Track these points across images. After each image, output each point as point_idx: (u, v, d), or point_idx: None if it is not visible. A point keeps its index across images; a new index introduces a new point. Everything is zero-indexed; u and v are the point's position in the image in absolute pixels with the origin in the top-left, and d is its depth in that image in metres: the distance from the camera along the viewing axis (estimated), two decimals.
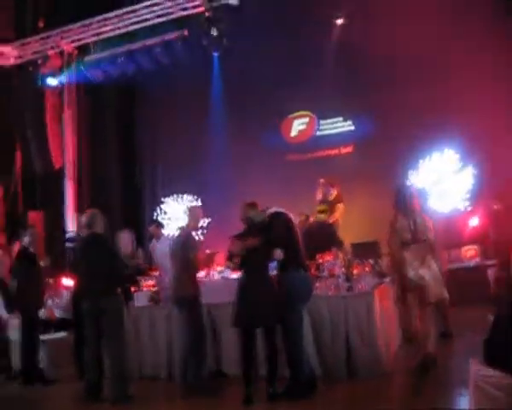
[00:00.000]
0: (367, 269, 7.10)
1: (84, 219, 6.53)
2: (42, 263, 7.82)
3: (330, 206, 11.02)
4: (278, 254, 5.46)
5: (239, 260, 5.67)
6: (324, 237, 8.27)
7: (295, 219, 8.53)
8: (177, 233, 7.03)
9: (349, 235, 10.81)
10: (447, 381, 5.77)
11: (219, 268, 7.61)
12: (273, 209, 5.86)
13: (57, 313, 9.18)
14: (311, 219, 9.04)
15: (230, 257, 5.76)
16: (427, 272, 6.08)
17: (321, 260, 6.92)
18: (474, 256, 10.12)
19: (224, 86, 13.00)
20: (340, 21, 11.54)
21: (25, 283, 7.52)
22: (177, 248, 6.41)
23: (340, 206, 11.04)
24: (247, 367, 5.62)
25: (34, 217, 12.41)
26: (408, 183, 10.36)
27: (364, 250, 9.79)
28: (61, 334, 8.69)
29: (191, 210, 6.86)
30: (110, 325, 6.12)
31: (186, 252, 6.28)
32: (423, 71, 11.36)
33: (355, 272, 6.80)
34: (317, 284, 6.43)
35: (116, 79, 12.07)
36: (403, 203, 6.24)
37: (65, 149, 11.77)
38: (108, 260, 6.19)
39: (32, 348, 7.49)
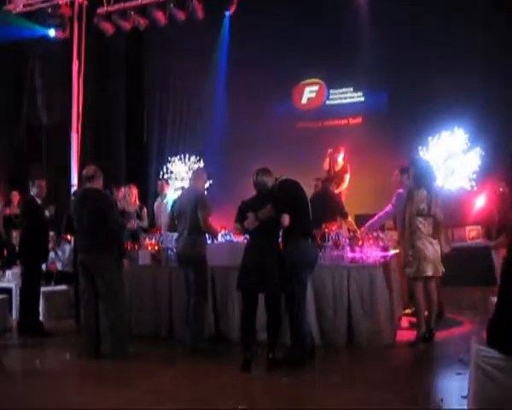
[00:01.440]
0: (371, 241, 7.09)
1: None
2: (47, 212, 7.75)
3: (337, 176, 11.03)
4: (285, 219, 5.41)
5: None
6: (329, 207, 8.27)
7: (312, 183, 8.58)
8: (183, 192, 6.94)
9: (354, 206, 10.84)
10: (444, 359, 5.81)
11: (223, 231, 7.58)
12: (283, 177, 5.78)
13: (59, 266, 9.20)
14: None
15: (240, 219, 5.68)
16: (435, 246, 6.18)
17: (326, 230, 6.91)
18: (477, 237, 10.10)
19: (236, 49, 12.79)
20: None
21: (29, 234, 7.51)
22: (187, 207, 6.29)
23: (347, 177, 11.04)
24: (246, 332, 5.62)
25: (38, 168, 12.37)
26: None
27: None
28: (62, 287, 8.70)
29: (197, 172, 6.81)
30: (103, 281, 6.11)
31: (196, 211, 6.19)
32: (437, 48, 11.21)
33: (359, 243, 6.80)
34: (322, 254, 6.42)
35: (127, 34, 11.86)
36: (423, 176, 6.26)
37: (72, 101, 11.60)
38: (100, 216, 6.09)
39: (32, 300, 7.47)
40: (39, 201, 7.64)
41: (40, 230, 7.55)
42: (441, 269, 6.26)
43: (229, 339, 6.59)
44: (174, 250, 6.89)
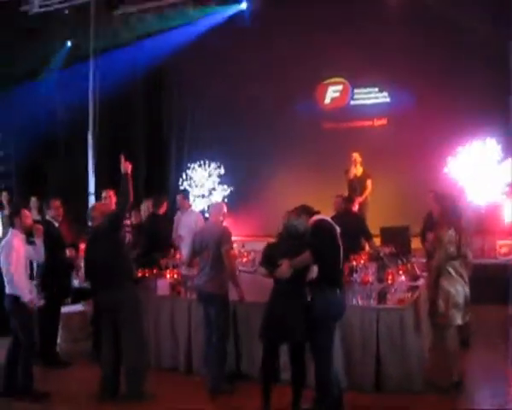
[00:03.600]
0: (401, 272, 6.75)
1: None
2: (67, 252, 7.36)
3: (360, 182, 10.70)
4: (314, 271, 5.08)
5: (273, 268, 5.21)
6: (352, 228, 7.76)
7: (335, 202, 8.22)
8: (204, 227, 6.73)
9: (378, 215, 10.52)
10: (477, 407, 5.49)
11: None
12: (318, 217, 5.38)
13: (76, 283, 8.91)
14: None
15: (266, 264, 5.34)
16: (465, 289, 5.83)
17: (354, 263, 6.57)
18: (509, 253, 9.68)
19: (257, 49, 12.37)
20: None
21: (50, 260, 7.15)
22: (209, 243, 6.07)
23: (369, 182, 10.72)
24: (266, 381, 5.32)
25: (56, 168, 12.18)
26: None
27: (394, 236, 9.45)
28: (78, 307, 8.45)
29: (216, 206, 6.57)
30: (127, 318, 5.85)
31: (220, 247, 5.98)
32: (468, 48, 10.69)
33: (389, 279, 6.45)
34: (348, 292, 6.09)
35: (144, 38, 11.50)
36: (454, 216, 5.88)
37: (89, 106, 11.29)
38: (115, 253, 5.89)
39: (51, 328, 7.21)
40: (56, 224, 7.34)
41: (60, 254, 7.21)
42: (468, 316, 5.92)
43: (252, 376, 6.26)
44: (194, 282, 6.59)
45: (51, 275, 7.07)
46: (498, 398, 5.61)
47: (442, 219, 5.98)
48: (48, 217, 7.31)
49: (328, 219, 5.50)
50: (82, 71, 11.44)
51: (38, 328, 7.01)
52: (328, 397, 5.22)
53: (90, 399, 5.97)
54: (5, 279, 6.00)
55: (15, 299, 5.95)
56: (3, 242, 6.11)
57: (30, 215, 6.41)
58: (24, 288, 6.00)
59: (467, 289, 5.84)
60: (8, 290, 5.99)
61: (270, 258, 5.33)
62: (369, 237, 8.22)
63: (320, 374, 5.22)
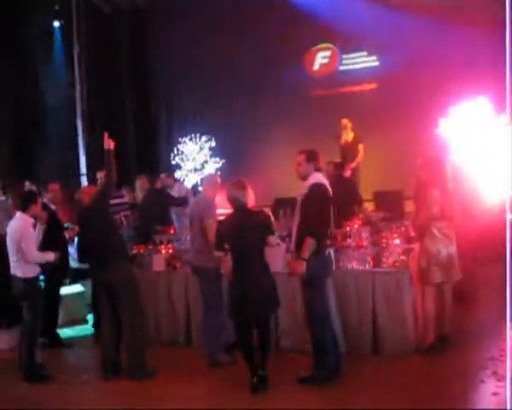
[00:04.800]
0: (395, 235, 6.76)
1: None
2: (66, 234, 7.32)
3: (351, 148, 10.66)
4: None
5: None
6: (344, 194, 7.72)
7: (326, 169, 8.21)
8: (194, 199, 6.72)
9: (371, 180, 10.49)
10: (476, 369, 5.46)
11: None
12: (315, 182, 5.27)
13: (72, 263, 8.92)
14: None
15: (220, 245, 5.28)
16: (450, 249, 5.81)
17: (348, 228, 6.58)
18: (503, 211, 9.65)
19: (245, 17, 12.23)
20: None
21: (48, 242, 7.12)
22: (195, 215, 6.07)
23: (361, 147, 10.68)
24: (249, 360, 5.33)
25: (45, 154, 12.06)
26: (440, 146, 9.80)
27: (388, 200, 9.48)
28: (77, 287, 8.48)
29: (209, 178, 6.52)
30: (124, 296, 5.87)
31: (203, 219, 5.95)
32: (458, 10, 10.57)
33: (383, 241, 6.47)
34: (343, 256, 6.14)
35: (128, 12, 11.33)
36: (437, 176, 5.86)
37: (75, 85, 11.18)
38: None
39: (52, 308, 7.22)
40: (53, 207, 7.33)
41: (58, 237, 7.14)
42: (456, 274, 5.91)
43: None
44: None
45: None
46: (492, 352, 5.64)
47: (428, 180, 5.91)
48: (45, 200, 7.30)
49: (324, 182, 5.39)
50: (68, 52, 11.27)
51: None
52: (325, 362, 5.27)
53: (92, 378, 6.04)
54: (16, 264, 5.99)
55: (26, 281, 5.98)
56: (15, 228, 6.01)
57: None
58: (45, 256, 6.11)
59: (451, 249, 5.82)
60: (20, 274, 5.98)
61: (222, 237, 5.28)
62: (359, 202, 8.24)
63: (315, 338, 5.28)
